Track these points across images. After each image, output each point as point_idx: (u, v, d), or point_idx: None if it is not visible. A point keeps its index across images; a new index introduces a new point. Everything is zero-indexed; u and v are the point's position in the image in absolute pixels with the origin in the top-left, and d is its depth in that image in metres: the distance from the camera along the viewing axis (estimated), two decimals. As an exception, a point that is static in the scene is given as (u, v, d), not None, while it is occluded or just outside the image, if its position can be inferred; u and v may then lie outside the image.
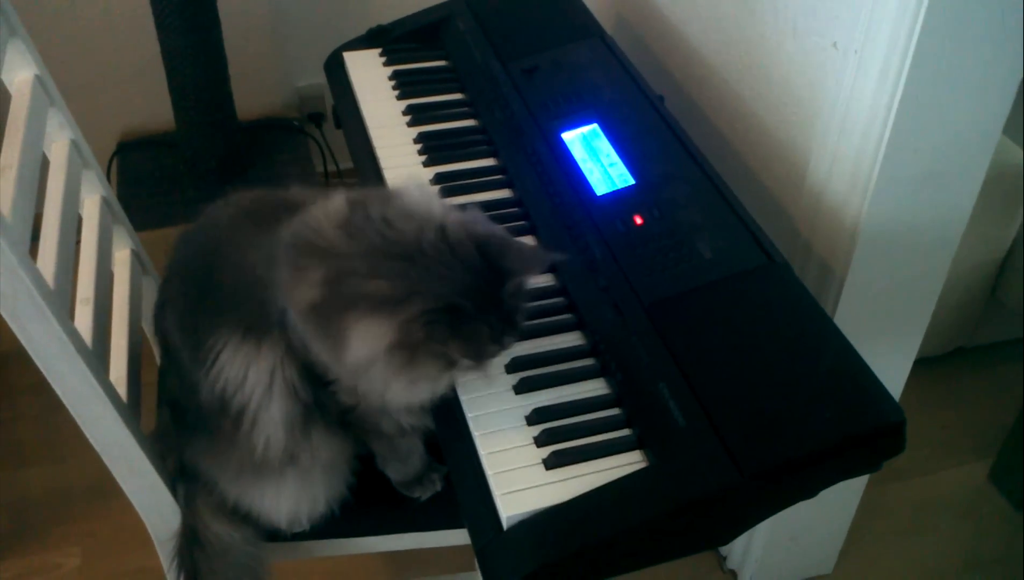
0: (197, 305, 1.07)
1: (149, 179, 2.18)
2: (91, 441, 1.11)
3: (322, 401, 1.07)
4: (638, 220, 1.22)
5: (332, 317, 0.94)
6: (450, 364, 0.96)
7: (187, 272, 1.11)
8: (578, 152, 1.34)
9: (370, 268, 0.94)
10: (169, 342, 1.14)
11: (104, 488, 1.23)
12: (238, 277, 1.05)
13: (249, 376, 1.03)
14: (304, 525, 1.21)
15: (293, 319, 0.99)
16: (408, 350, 0.93)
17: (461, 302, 0.93)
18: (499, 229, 1.01)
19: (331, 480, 1.19)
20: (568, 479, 0.99)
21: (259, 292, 1.02)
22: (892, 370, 1.49)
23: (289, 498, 1.17)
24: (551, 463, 1.01)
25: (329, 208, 1.00)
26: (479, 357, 0.96)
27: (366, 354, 0.93)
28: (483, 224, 1.00)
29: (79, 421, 1.08)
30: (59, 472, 1.94)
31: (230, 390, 1.04)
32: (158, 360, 1.30)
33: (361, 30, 1.70)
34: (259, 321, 1.02)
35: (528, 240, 1.26)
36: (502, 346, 0.99)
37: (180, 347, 1.09)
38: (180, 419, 1.18)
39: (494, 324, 0.96)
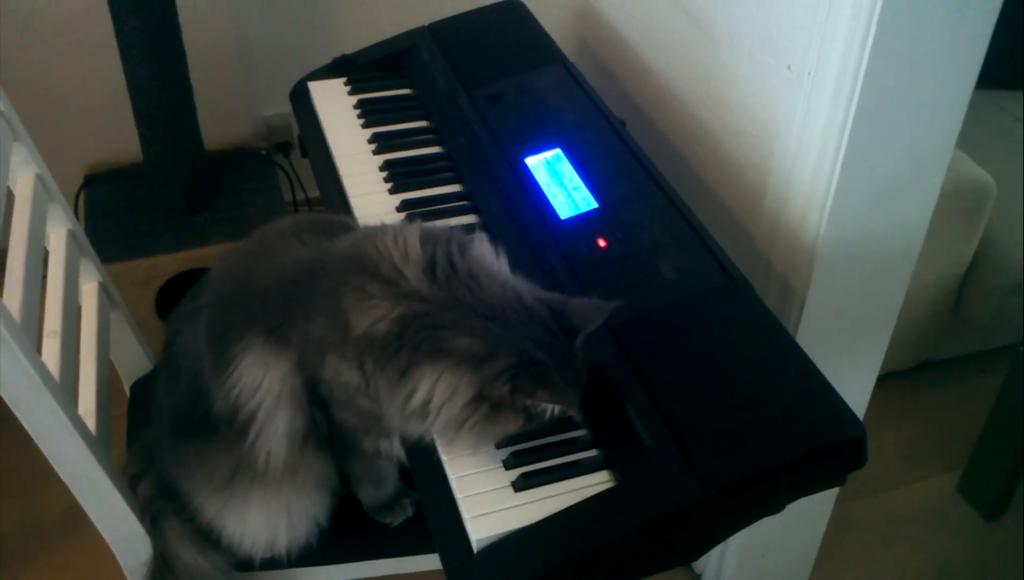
0: (232, 309, 1.09)
1: (117, 211, 2.18)
2: (60, 474, 1.10)
3: (313, 418, 1.09)
4: (601, 243, 1.24)
5: (400, 358, 0.98)
6: (528, 417, 1.01)
7: (228, 279, 1.13)
8: (542, 177, 1.35)
9: (459, 324, 0.98)
10: (186, 350, 1.14)
11: (76, 521, 1.23)
12: (273, 283, 1.07)
13: (263, 383, 1.05)
14: (280, 551, 1.20)
15: (317, 333, 1.02)
16: (488, 404, 0.98)
17: (542, 357, 0.98)
18: (553, 293, 1.06)
19: (315, 502, 1.19)
20: (537, 501, 1.00)
21: (289, 299, 1.05)
22: (856, 385, 1.51)
23: (272, 517, 1.17)
24: (519, 485, 1.02)
25: (403, 242, 1.04)
26: (567, 403, 1.01)
27: (438, 404, 0.98)
28: (538, 289, 1.06)
29: (47, 454, 1.08)
30: (30, 505, 1.92)
31: (244, 396, 1.05)
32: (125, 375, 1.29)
33: (327, 60, 1.72)
34: (282, 328, 1.04)
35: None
36: (577, 395, 1.02)
37: (205, 353, 1.09)
38: (172, 431, 1.18)
39: (568, 376, 1.01)
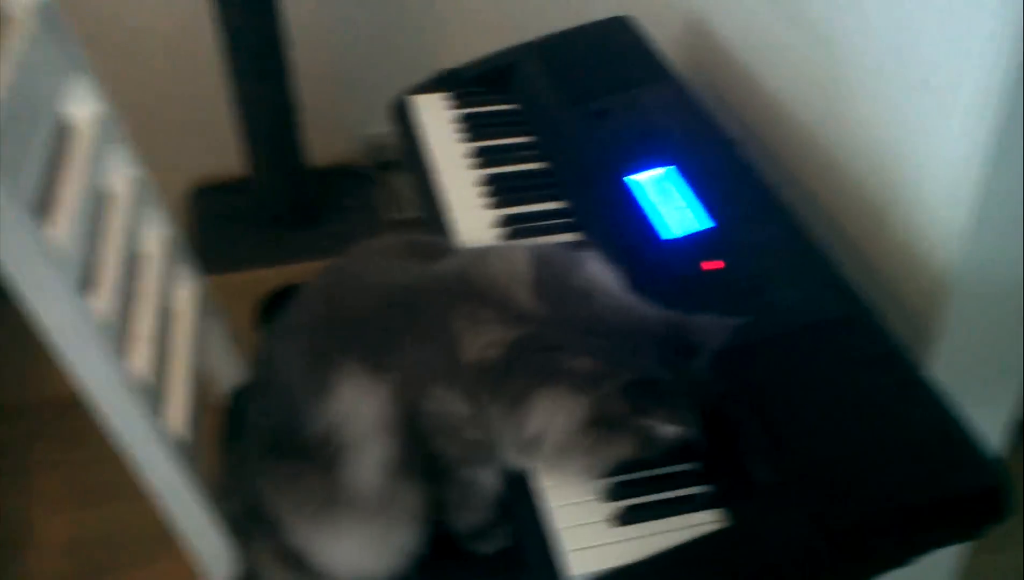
0: (329, 333, 1.06)
1: (218, 223, 2.21)
2: (147, 485, 1.09)
3: (409, 449, 1.05)
4: (713, 265, 1.17)
5: (514, 383, 0.95)
6: (643, 440, 0.96)
7: (324, 300, 1.11)
8: (648, 195, 1.30)
9: (573, 344, 0.95)
10: (281, 372, 1.11)
11: (160, 535, 1.21)
12: (371, 307, 1.05)
13: (360, 411, 1.02)
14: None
15: (422, 362, 0.99)
16: (603, 428, 0.94)
17: (662, 375, 0.94)
18: (671, 311, 1.02)
19: (410, 530, 1.14)
20: (640, 537, 0.94)
21: (388, 325, 1.02)
22: (988, 431, 1.40)
23: (366, 546, 1.13)
24: (623, 519, 0.96)
25: (512, 264, 1.01)
26: (687, 423, 0.96)
27: (552, 428, 0.94)
28: (651, 305, 1.02)
29: (135, 464, 1.07)
30: (115, 518, 1.93)
31: (340, 424, 1.02)
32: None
33: (431, 78, 1.70)
34: (381, 355, 1.01)
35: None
36: (697, 416, 0.98)
37: (300, 377, 1.07)
38: (265, 452, 1.15)
39: (688, 398, 0.96)
